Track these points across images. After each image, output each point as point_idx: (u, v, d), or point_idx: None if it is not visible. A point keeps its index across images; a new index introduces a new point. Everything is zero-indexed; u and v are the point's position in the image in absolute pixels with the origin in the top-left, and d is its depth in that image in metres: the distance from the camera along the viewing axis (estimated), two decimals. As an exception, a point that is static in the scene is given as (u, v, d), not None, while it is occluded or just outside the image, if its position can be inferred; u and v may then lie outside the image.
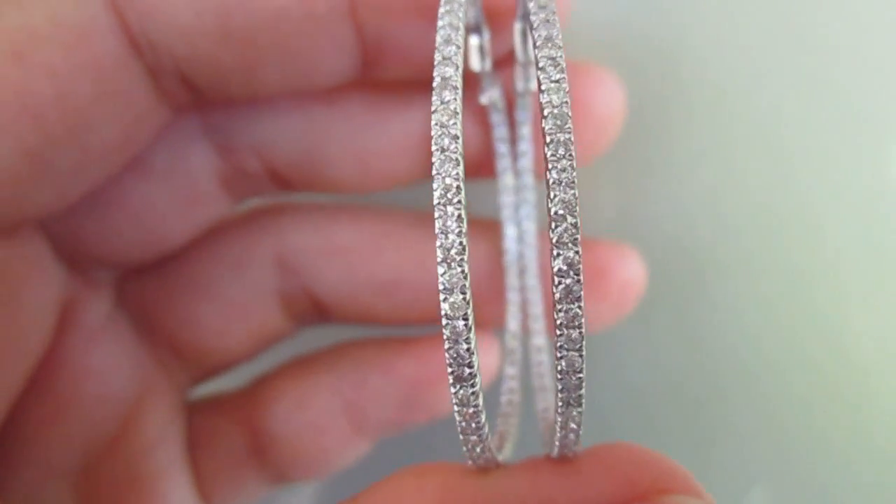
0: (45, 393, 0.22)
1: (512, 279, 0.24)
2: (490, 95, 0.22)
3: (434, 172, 0.14)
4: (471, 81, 0.23)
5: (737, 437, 0.27)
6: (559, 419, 0.15)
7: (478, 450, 0.15)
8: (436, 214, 0.14)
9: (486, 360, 0.24)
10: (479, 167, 0.24)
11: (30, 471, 0.22)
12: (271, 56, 0.20)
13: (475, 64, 0.21)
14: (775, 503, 0.27)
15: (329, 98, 0.23)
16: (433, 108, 0.15)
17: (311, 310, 0.25)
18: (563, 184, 0.14)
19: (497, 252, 0.24)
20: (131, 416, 0.24)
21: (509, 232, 0.24)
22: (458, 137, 0.14)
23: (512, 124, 0.24)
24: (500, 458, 0.16)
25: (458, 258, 0.14)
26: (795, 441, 0.27)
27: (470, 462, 0.16)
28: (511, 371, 0.24)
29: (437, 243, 0.14)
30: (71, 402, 0.23)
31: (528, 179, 0.24)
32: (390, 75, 0.22)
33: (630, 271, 0.23)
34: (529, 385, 0.23)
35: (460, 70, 0.15)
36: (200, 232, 0.24)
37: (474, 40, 0.21)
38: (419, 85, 0.22)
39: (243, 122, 0.23)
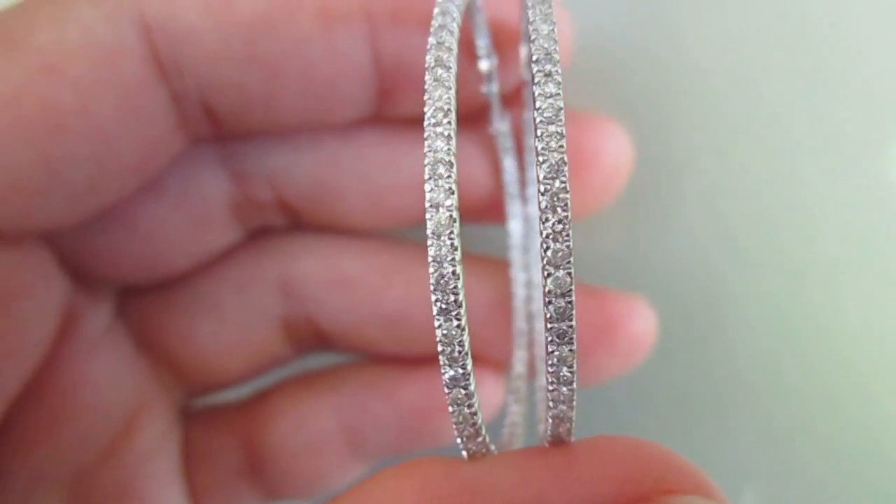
0: (41, 401, 0.22)
1: (520, 323, 0.24)
2: (498, 127, 0.22)
3: (427, 204, 0.14)
4: (482, 111, 0.23)
5: (730, 434, 0.27)
6: (550, 397, 0.14)
7: (469, 430, 0.15)
8: (429, 243, 0.14)
9: (489, 394, 0.24)
10: (488, 208, 0.24)
11: (22, 479, 0.22)
12: (293, 83, 0.20)
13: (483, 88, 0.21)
14: (768, 501, 0.27)
15: (344, 133, 0.23)
16: (425, 134, 0.14)
17: (313, 337, 0.25)
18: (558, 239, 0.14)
19: (504, 291, 0.24)
20: (126, 427, 0.24)
21: (518, 277, 0.24)
22: (452, 164, 0.14)
23: (521, 153, 0.23)
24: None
25: (452, 284, 0.14)
26: (789, 439, 0.27)
27: (463, 452, 0.15)
28: (515, 408, 0.24)
29: (430, 270, 0.14)
30: (66, 411, 0.23)
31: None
32: (404, 111, 0.22)
33: (641, 324, 0.23)
34: (533, 420, 0.23)
35: (453, 92, 0.14)
36: (207, 257, 0.24)
37: (484, 65, 0.21)
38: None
39: (258, 151, 0.23)
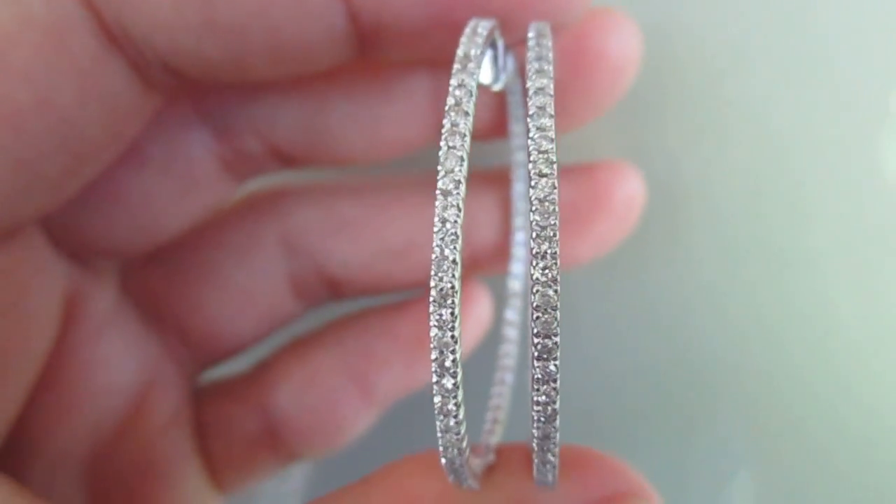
0: (53, 384, 0.22)
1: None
2: (504, 83, 0.22)
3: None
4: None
5: (719, 426, 0.27)
6: (536, 452, 0.15)
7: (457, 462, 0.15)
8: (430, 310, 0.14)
9: (478, 312, 0.25)
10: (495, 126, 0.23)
11: (41, 461, 0.22)
12: (260, 47, 0.19)
13: (487, 78, 0.20)
14: (757, 492, 0.27)
15: (328, 74, 0.22)
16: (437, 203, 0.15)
17: (323, 288, 0.25)
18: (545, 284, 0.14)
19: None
20: (139, 404, 0.24)
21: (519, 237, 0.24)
22: (460, 209, 0.14)
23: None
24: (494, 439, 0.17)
25: (451, 370, 0.14)
26: (777, 430, 0.27)
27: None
28: (511, 316, 0.24)
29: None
30: (79, 392, 0.23)
31: None
32: (390, 58, 0.21)
33: (629, 187, 0.23)
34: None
35: (465, 162, 0.15)
36: (204, 214, 0.24)
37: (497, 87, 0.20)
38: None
39: (240, 105, 0.22)
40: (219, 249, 0.24)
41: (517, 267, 0.24)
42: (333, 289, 0.25)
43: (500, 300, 0.25)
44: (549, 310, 0.14)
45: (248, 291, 0.24)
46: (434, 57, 0.20)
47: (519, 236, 0.24)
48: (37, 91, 0.17)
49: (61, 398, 0.22)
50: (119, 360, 0.23)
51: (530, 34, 0.16)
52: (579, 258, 0.24)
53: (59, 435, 0.23)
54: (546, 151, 0.14)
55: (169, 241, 0.24)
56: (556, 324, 0.14)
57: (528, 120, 0.15)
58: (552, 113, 0.15)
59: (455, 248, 0.14)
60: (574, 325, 0.27)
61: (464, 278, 0.25)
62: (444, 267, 0.14)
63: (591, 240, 0.24)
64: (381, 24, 0.19)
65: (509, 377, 0.24)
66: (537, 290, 0.14)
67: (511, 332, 0.24)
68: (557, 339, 0.14)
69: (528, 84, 0.15)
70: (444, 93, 0.22)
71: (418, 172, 0.24)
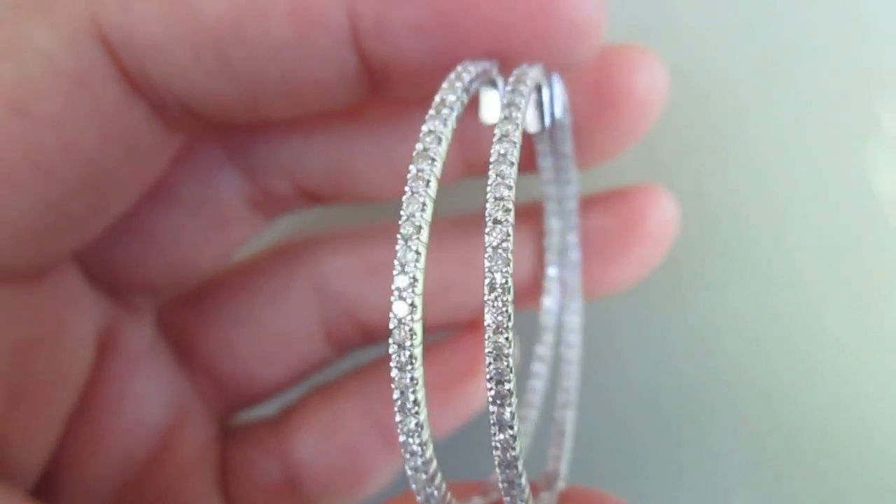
0: (87, 416, 0.23)
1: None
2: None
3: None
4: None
5: (714, 445, 0.27)
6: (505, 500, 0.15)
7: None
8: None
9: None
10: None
11: (73, 490, 0.23)
12: (274, 89, 0.19)
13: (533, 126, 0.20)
14: None
15: (352, 112, 0.22)
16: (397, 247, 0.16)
17: (356, 334, 0.25)
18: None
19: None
20: (167, 441, 0.24)
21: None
22: (419, 253, 0.15)
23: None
24: None
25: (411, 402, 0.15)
26: (773, 451, 0.27)
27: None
28: (541, 351, 0.24)
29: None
30: (111, 425, 0.23)
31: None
32: (402, 95, 0.21)
33: (663, 212, 0.23)
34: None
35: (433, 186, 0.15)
36: (234, 252, 0.24)
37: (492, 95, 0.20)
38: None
39: (267, 146, 0.23)
40: (252, 293, 0.25)
41: (548, 301, 0.24)
42: (366, 334, 0.25)
43: (532, 334, 0.24)
44: (502, 357, 0.14)
45: (280, 336, 0.25)
46: None
47: (550, 270, 0.24)
48: (63, 136, 0.18)
49: (94, 430, 0.23)
50: (151, 396, 0.24)
51: (511, 78, 0.17)
52: (614, 286, 0.24)
53: (90, 466, 0.23)
54: (502, 198, 0.15)
55: (202, 281, 0.24)
56: (510, 371, 0.14)
57: (490, 166, 0.15)
58: (513, 160, 0.15)
59: (414, 291, 0.15)
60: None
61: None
62: (404, 310, 0.15)
63: (626, 267, 0.23)
64: (390, 66, 0.19)
65: (533, 414, 0.23)
66: (489, 338, 0.14)
67: (540, 368, 0.24)
68: (511, 385, 0.14)
69: (495, 130, 0.15)
70: (467, 129, 0.22)
71: (450, 215, 0.24)
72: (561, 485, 0.18)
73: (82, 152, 0.18)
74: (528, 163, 0.23)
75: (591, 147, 0.22)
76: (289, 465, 0.25)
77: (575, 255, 0.23)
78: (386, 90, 0.20)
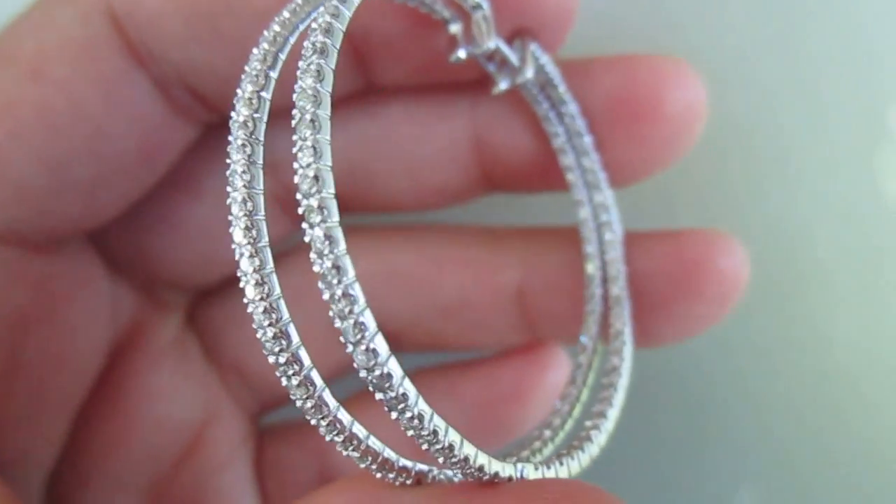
0: (112, 410, 0.23)
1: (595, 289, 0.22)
2: (511, 80, 0.20)
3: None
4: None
5: (725, 437, 0.27)
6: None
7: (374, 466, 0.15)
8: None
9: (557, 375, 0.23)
10: (536, 173, 0.22)
11: (99, 484, 0.23)
12: None
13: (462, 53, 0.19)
14: (764, 502, 0.27)
15: (368, 110, 0.22)
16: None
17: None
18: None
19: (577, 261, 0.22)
20: (199, 437, 0.24)
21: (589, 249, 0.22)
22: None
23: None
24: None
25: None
26: (783, 441, 0.26)
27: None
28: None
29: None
30: (137, 420, 0.23)
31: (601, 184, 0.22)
32: (393, 79, 0.21)
33: (729, 261, 0.20)
34: None
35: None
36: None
37: (453, 28, 0.19)
38: (457, 89, 0.21)
39: (284, 140, 0.22)
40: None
41: (586, 337, 0.22)
42: (391, 342, 0.24)
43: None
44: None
45: (308, 334, 0.24)
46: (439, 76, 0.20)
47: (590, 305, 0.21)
48: (70, 97, 0.20)
49: (118, 424, 0.23)
50: (179, 392, 0.24)
51: None
52: (661, 340, 0.21)
53: (116, 461, 0.23)
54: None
55: (230, 278, 0.24)
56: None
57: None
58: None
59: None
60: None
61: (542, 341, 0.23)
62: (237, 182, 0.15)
63: (678, 321, 0.21)
64: (372, 36, 0.19)
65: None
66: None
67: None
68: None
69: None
70: (486, 134, 0.21)
71: (476, 225, 0.24)
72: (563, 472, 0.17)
73: (87, 114, 0.20)
74: (554, 180, 0.22)
75: (627, 166, 0.20)
76: (325, 464, 0.24)
77: (619, 291, 0.21)
78: (375, 72, 0.20)
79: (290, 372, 0.15)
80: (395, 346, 0.24)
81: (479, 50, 0.19)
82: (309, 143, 0.14)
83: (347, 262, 0.14)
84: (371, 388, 0.14)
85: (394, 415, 0.14)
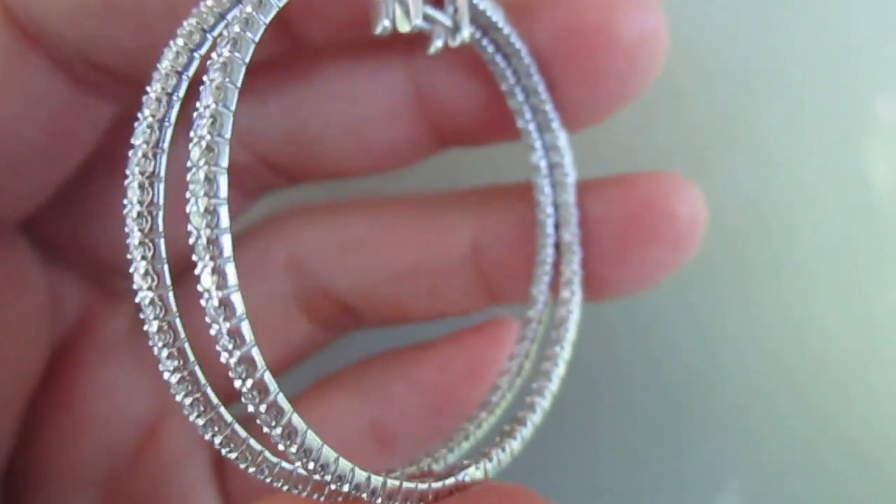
0: (62, 407, 0.22)
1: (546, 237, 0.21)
2: (444, 40, 0.19)
3: None
4: None
5: (709, 434, 0.27)
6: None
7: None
8: None
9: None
10: (494, 124, 0.21)
11: (54, 483, 0.23)
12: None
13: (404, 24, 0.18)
14: (746, 499, 0.27)
15: (300, 74, 0.21)
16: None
17: (339, 313, 0.23)
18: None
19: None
20: (155, 430, 0.23)
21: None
22: None
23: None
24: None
25: None
26: (768, 438, 0.26)
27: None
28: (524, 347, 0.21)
29: None
30: (89, 416, 0.23)
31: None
32: (321, 38, 0.19)
33: (685, 204, 0.19)
34: None
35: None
36: None
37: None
38: (391, 42, 0.20)
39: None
40: None
41: (536, 290, 0.21)
42: (349, 314, 0.23)
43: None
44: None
45: (257, 317, 0.23)
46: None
47: (543, 254, 0.21)
48: None
49: (71, 420, 0.22)
50: (133, 385, 0.23)
51: None
52: (615, 290, 0.20)
53: (70, 458, 0.23)
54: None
55: (178, 262, 0.23)
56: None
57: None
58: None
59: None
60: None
61: (487, 305, 0.23)
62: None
63: (632, 268, 0.20)
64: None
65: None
66: None
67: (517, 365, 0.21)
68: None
69: None
70: (427, 85, 0.20)
71: (429, 190, 0.23)
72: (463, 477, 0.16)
73: None
74: (506, 128, 0.20)
75: (575, 105, 0.19)
76: (283, 457, 0.24)
77: (571, 237, 0.20)
78: (297, 31, 0.19)
79: (186, 390, 0.15)
80: (355, 322, 0.24)
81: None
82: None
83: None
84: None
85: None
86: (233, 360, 0.13)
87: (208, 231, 0.13)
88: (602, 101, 0.19)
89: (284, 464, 0.15)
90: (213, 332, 0.13)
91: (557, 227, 0.20)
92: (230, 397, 0.24)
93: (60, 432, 0.22)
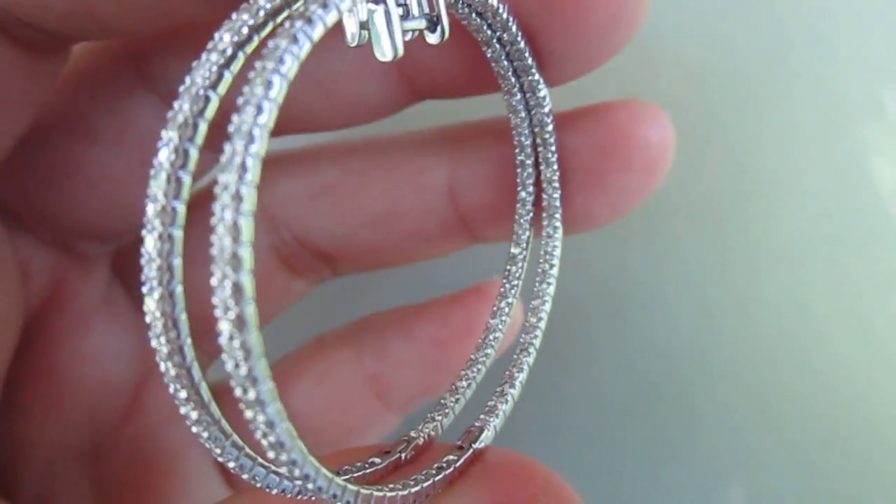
0: (42, 376, 0.22)
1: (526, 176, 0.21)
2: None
3: None
4: None
5: (709, 435, 0.27)
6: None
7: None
8: None
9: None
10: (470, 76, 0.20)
11: (41, 451, 0.22)
12: None
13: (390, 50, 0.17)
14: (754, 497, 0.27)
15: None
16: None
17: (317, 261, 0.23)
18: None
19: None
20: (138, 393, 0.23)
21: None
22: None
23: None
24: None
25: None
26: (768, 439, 0.26)
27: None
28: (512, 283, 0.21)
29: None
30: (71, 383, 0.22)
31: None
32: None
33: (656, 130, 0.19)
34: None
35: None
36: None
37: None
38: None
39: (177, 66, 0.20)
40: (202, 227, 0.23)
41: (519, 228, 0.21)
42: (328, 262, 0.23)
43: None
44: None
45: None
46: None
47: (523, 193, 0.20)
48: None
49: (53, 388, 0.22)
50: (113, 350, 0.23)
51: None
52: (593, 219, 0.20)
53: (54, 427, 0.22)
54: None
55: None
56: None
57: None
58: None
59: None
60: (570, 341, 0.26)
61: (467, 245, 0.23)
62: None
63: (608, 196, 0.20)
64: None
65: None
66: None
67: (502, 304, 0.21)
68: None
69: None
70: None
71: (401, 133, 0.22)
72: (480, 444, 0.16)
73: None
74: (483, 80, 0.20)
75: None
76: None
77: (551, 174, 0.20)
78: None
79: (179, 385, 0.15)
80: (334, 269, 0.23)
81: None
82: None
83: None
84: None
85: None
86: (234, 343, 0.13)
87: None
88: (583, 53, 0.19)
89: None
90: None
91: (537, 164, 0.20)
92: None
93: (43, 403, 0.22)
